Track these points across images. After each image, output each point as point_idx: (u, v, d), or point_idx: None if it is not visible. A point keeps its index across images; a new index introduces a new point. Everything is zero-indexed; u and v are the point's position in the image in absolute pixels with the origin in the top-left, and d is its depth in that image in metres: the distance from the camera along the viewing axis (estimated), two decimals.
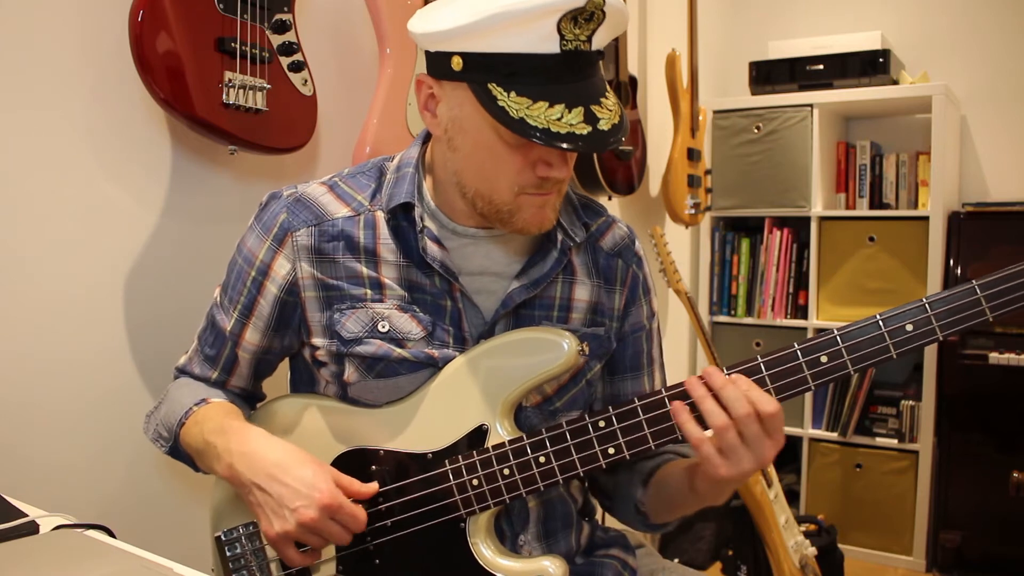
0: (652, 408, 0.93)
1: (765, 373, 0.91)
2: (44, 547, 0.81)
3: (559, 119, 0.87)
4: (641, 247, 1.15)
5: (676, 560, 1.30)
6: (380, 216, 1.01)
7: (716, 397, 0.88)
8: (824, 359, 0.90)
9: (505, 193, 0.95)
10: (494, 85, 0.88)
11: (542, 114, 0.87)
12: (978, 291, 0.87)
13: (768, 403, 0.87)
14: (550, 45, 0.86)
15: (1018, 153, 3.06)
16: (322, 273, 1.00)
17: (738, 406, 0.87)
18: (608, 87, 0.94)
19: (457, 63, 0.90)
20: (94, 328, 1.28)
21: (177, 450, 1.05)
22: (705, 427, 0.89)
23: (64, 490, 1.24)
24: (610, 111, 0.90)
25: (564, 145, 0.86)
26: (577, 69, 0.89)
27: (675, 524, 1.10)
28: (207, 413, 1.02)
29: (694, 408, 0.90)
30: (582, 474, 0.96)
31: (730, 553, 2.58)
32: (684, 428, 0.90)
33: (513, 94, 0.87)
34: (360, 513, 0.93)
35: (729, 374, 0.91)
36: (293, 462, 0.93)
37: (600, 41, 0.90)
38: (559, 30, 0.85)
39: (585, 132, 0.87)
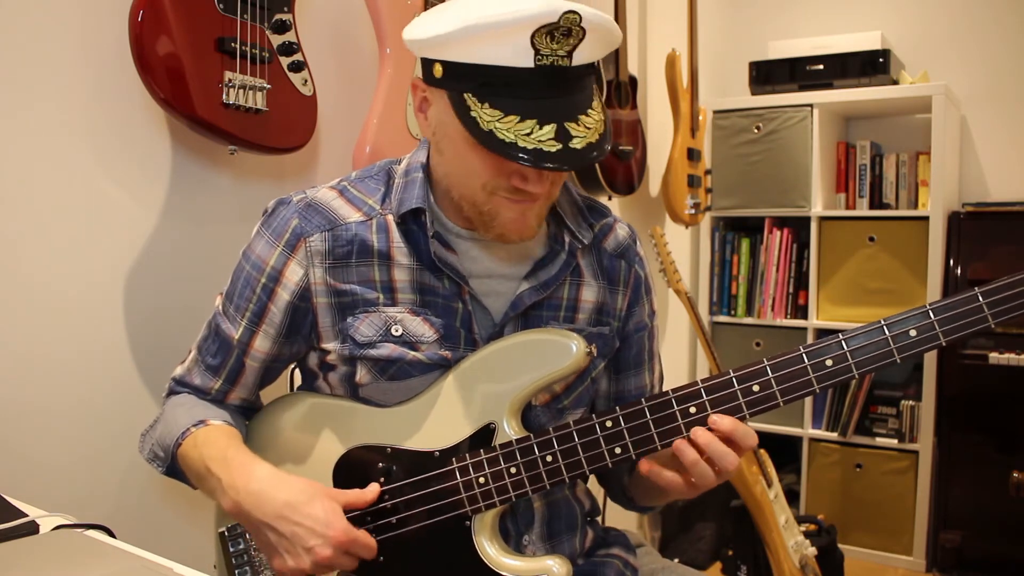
0: (659, 409, 0.94)
1: (771, 376, 0.92)
2: (44, 547, 0.81)
3: (528, 134, 0.86)
4: (642, 247, 1.16)
5: (676, 560, 1.30)
6: (391, 220, 1.01)
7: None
8: (829, 363, 0.91)
9: (480, 193, 0.95)
10: (469, 95, 0.88)
11: (512, 128, 0.86)
12: (980, 298, 0.88)
13: (751, 438, 0.93)
14: (524, 59, 0.85)
15: (1018, 153, 3.06)
16: (335, 278, 1.00)
17: (726, 463, 0.92)
18: (596, 103, 0.92)
19: (438, 70, 0.90)
20: (94, 328, 1.28)
21: (174, 470, 1.04)
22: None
23: (64, 490, 1.24)
24: (588, 129, 0.89)
25: (529, 161, 0.85)
26: (554, 84, 0.87)
27: (660, 507, 1.16)
28: (207, 436, 0.99)
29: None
30: (588, 473, 0.96)
31: (730, 553, 2.58)
32: (660, 477, 0.96)
33: (487, 106, 0.87)
34: (372, 544, 0.94)
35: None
36: (302, 501, 0.91)
37: (584, 57, 0.88)
38: (533, 44, 0.84)
39: (554, 149, 0.86)
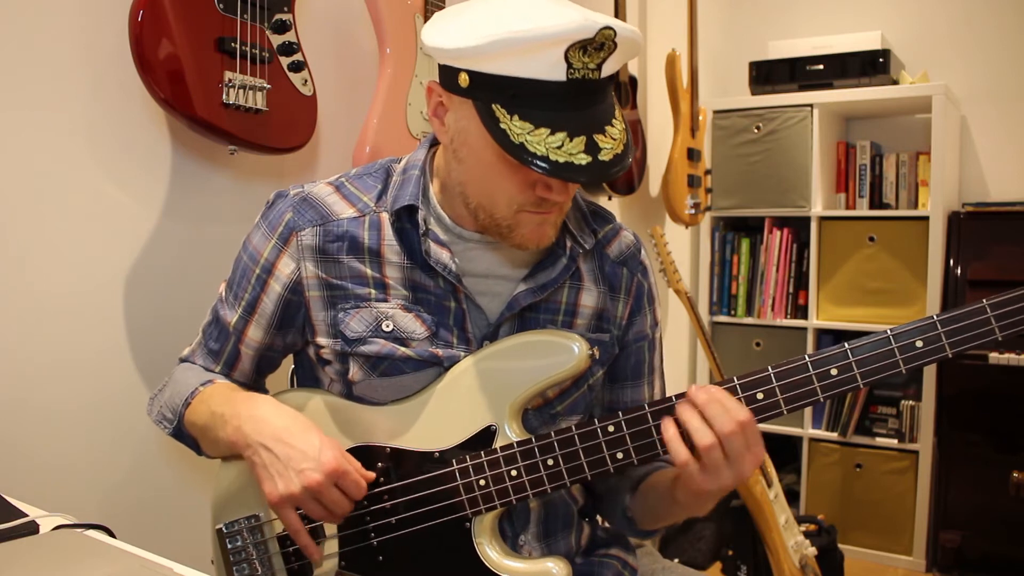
0: (663, 415, 0.93)
1: (775, 384, 0.91)
2: (44, 547, 0.81)
3: (559, 147, 0.86)
4: (647, 256, 1.15)
5: (676, 560, 1.30)
6: (385, 217, 1.01)
7: (701, 414, 0.89)
8: (834, 372, 0.90)
9: (504, 209, 0.95)
10: (498, 106, 0.87)
11: (543, 141, 0.86)
12: (988, 310, 0.87)
13: (742, 412, 0.89)
14: (557, 73, 0.84)
15: (1018, 153, 3.06)
16: (326, 273, 1.01)
17: (723, 422, 0.88)
18: (617, 111, 0.92)
19: (464, 80, 0.89)
20: (94, 328, 1.28)
21: (181, 431, 1.06)
22: (691, 446, 0.90)
23: (64, 490, 1.24)
24: (614, 140, 0.88)
25: (561, 175, 0.85)
26: (583, 97, 0.87)
27: (661, 532, 1.11)
28: (213, 391, 1.03)
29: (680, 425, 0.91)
30: (590, 478, 0.96)
31: (730, 553, 2.58)
32: (671, 446, 0.91)
33: (516, 118, 0.86)
34: (362, 481, 0.94)
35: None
36: (301, 428, 0.94)
37: (610, 68, 0.88)
38: (567, 59, 0.84)
39: (584, 163, 0.86)
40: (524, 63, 0.84)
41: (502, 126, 0.87)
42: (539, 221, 0.96)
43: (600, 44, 0.84)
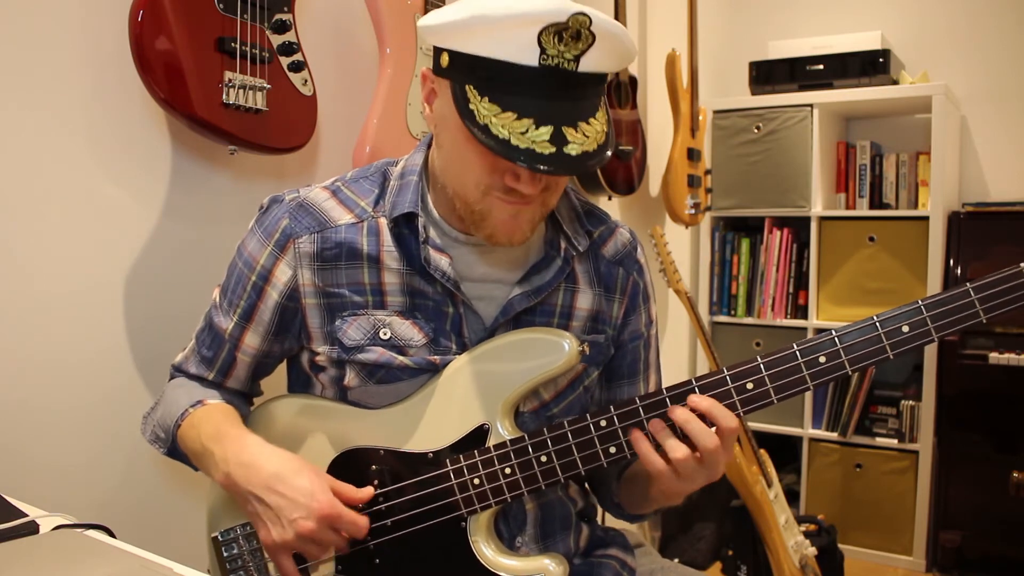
0: (653, 408, 0.94)
1: (765, 373, 0.92)
2: (44, 547, 0.81)
3: (523, 133, 0.84)
4: (643, 253, 1.15)
5: (676, 560, 1.30)
6: (383, 223, 1.01)
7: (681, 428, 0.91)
8: (822, 359, 0.91)
9: (473, 191, 0.93)
10: (471, 87, 0.87)
11: (507, 124, 0.85)
12: (972, 293, 0.89)
13: (730, 420, 0.90)
14: (529, 57, 0.84)
15: (1018, 153, 3.06)
16: (323, 280, 1.00)
17: (705, 441, 0.89)
18: (600, 113, 0.90)
19: (445, 60, 0.90)
20: (94, 328, 1.28)
21: (175, 451, 1.05)
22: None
23: (64, 490, 1.24)
24: (587, 137, 0.87)
25: (517, 158, 0.84)
26: (557, 87, 0.86)
27: (651, 516, 1.14)
28: (204, 415, 1.01)
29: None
30: (583, 473, 0.96)
31: (730, 553, 2.58)
32: (646, 459, 0.93)
33: (486, 100, 0.86)
34: (361, 520, 0.93)
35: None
36: (290, 472, 0.92)
37: (591, 64, 0.86)
38: (540, 43, 0.83)
39: (547, 152, 0.84)
40: (496, 43, 0.84)
41: (471, 106, 0.87)
42: (512, 212, 0.94)
43: (576, 32, 0.83)
